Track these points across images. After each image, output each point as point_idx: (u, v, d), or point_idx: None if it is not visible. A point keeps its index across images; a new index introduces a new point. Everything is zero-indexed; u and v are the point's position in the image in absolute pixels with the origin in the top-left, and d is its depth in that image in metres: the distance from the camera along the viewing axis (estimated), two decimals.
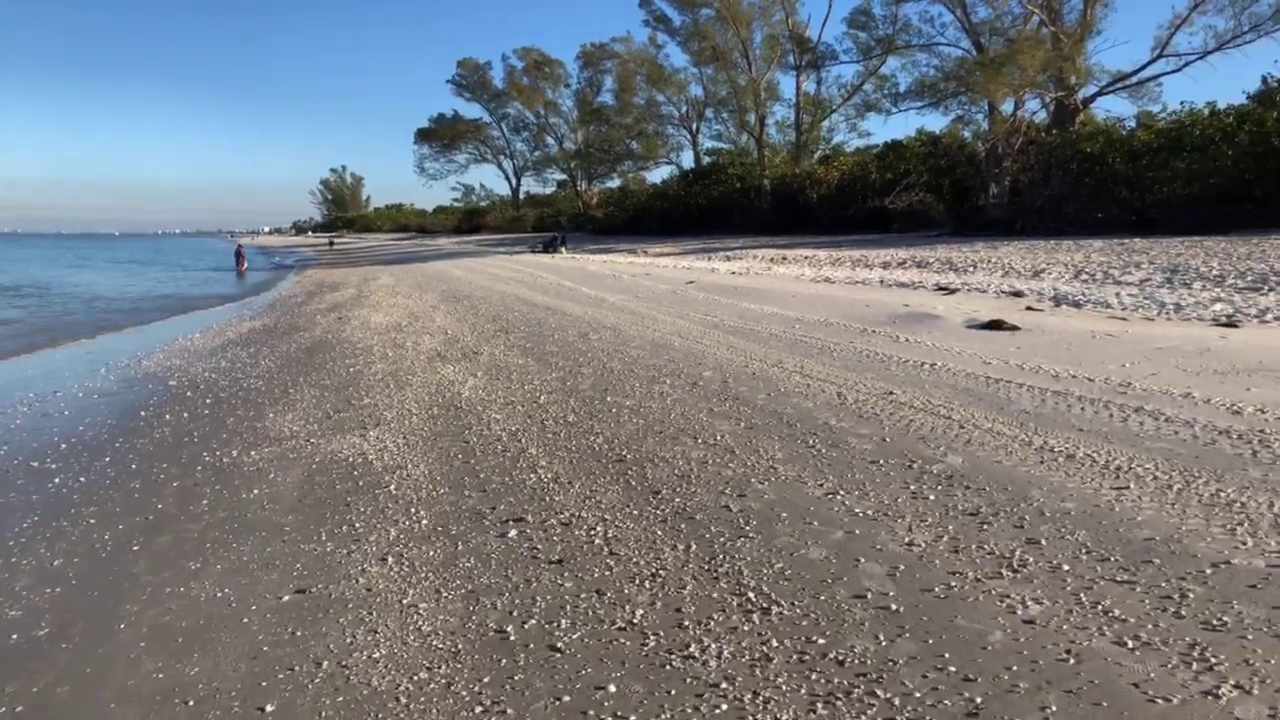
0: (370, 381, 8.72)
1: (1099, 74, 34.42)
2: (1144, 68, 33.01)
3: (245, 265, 41.66)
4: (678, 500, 4.54)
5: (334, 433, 6.65)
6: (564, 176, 78.43)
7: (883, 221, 38.22)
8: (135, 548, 4.42)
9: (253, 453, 6.19)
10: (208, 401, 8.16)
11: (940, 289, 14.20)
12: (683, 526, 4.19)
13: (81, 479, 5.74)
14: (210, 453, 6.26)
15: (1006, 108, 36.70)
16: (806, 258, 25.26)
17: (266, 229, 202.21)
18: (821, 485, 4.63)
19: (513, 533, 4.28)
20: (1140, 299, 11.40)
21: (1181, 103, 34.32)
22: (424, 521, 4.53)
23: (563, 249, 38.00)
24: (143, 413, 7.81)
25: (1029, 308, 11.13)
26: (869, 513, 4.20)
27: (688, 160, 60.28)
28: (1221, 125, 28.20)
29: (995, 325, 9.27)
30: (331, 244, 76.53)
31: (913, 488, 4.51)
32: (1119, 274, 15.48)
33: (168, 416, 7.59)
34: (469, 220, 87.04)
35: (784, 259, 25.69)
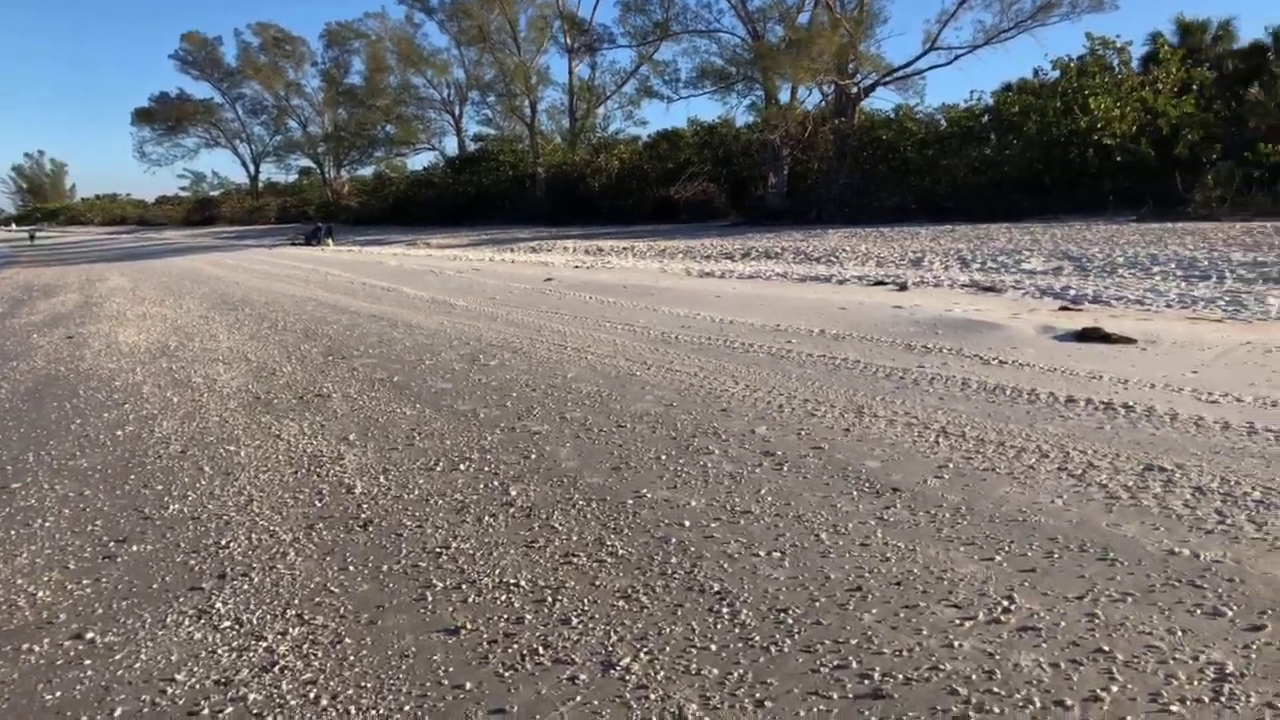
0: (164, 456, 5.17)
1: (880, 65, 34.43)
2: (916, 60, 33.44)
3: None
4: None
5: (134, 607, 3.24)
6: (310, 163, 71.66)
7: (669, 211, 36.76)
8: None
9: None
10: None
11: (878, 284, 12.03)
12: None
13: None
14: None
15: (783, 97, 36.16)
16: (627, 249, 22.77)
17: None
18: None
19: None
20: (1147, 294, 9.74)
21: (971, 92, 35.20)
22: None
23: (329, 241, 33.32)
24: None
25: (1064, 308, 9.08)
26: None
27: (451, 146, 56.28)
28: (1009, 116, 28.52)
29: (1097, 336, 7.06)
30: (33, 238, 64.69)
31: None
32: (1012, 262, 14.09)
33: None
34: (201, 211, 77.48)
35: (600, 250, 23.06)
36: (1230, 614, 2.75)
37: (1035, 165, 27.25)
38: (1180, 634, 2.65)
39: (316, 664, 2.78)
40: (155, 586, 3.42)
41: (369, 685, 2.64)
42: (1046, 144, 27.04)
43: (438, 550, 3.61)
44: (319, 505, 4.24)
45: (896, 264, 15.34)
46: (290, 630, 3.00)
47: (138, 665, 2.84)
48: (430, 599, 3.19)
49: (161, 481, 4.72)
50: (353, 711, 2.52)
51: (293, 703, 2.57)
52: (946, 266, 14.35)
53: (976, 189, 27.24)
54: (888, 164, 31.13)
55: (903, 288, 11.45)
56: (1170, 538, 3.32)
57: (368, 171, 65.73)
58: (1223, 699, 2.31)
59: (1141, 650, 2.57)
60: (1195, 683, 2.39)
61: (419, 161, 61.60)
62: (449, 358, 7.85)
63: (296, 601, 3.22)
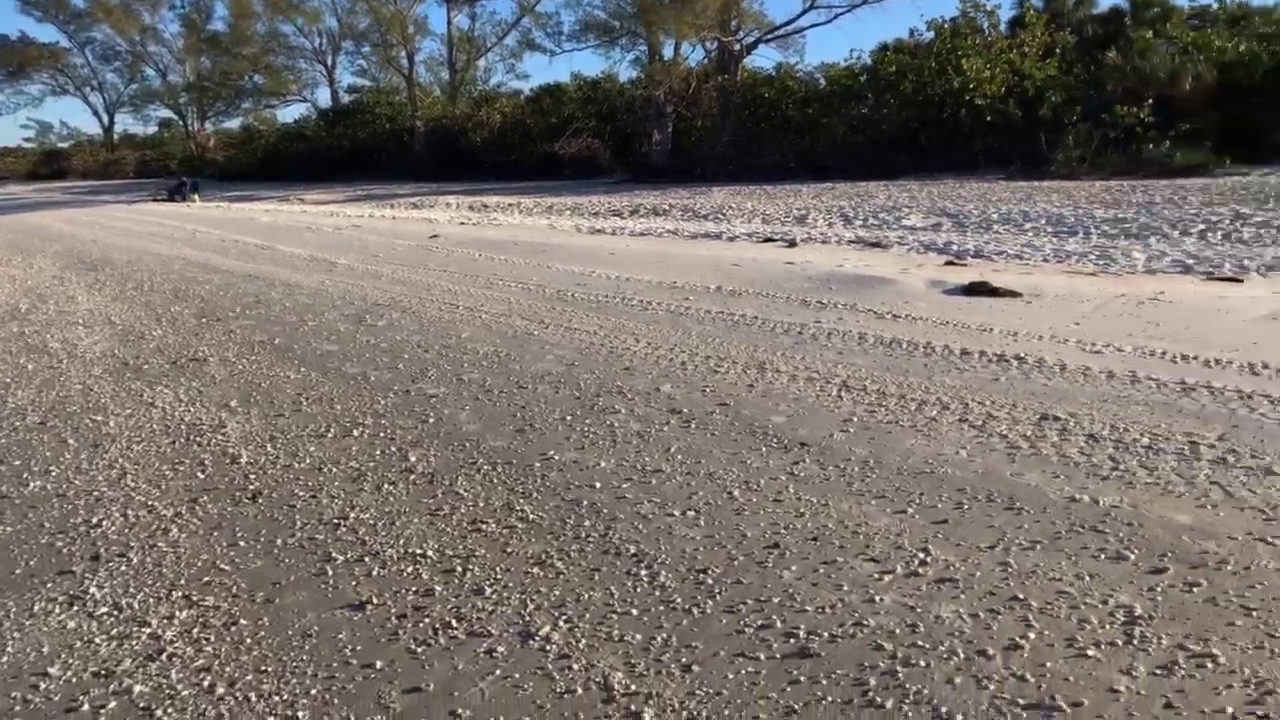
0: (20, 429, 4.76)
1: (762, 22, 34.53)
2: (797, 18, 33.79)
3: None
4: None
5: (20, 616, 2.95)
6: (171, 114, 67.57)
7: (553, 167, 36.31)
8: None
9: None
10: None
11: (767, 240, 12.14)
12: None
13: None
14: None
15: (667, 53, 36.02)
16: (513, 205, 22.37)
17: None
18: None
19: None
20: (1024, 249, 10.11)
21: (850, 51, 35.72)
22: None
23: (195, 197, 31.60)
24: None
25: (949, 263, 9.30)
26: None
27: (324, 98, 53.98)
28: (886, 75, 29.07)
29: (984, 290, 7.24)
30: None
31: None
32: (893, 219, 14.43)
33: None
34: (49, 163, 72.04)
35: (485, 206, 22.58)
36: (1133, 558, 2.84)
37: (911, 124, 27.91)
38: (1088, 579, 2.72)
39: (209, 649, 2.58)
40: (18, 572, 3.13)
41: (270, 669, 2.47)
42: (922, 103, 27.72)
43: (335, 521, 3.42)
44: (201, 477, 3.97)
45: (782, 221, 15.51)
46: (177, 614, 2.79)
47: (4, 659, 2.58)
48: (331, 573, 3.01)
49: (19, 456, 4.34)
50: (253, 699, 2.34)
51: (185, 693, 2.38)
52: (830, 224, 14.59)
53: (855, 147, 27.76)
54: (770, 122, 31.43)
55: (792, 244, 11.58)
56: (1070, 485, 3.42)
57: (235, 124, 62.56)
58: (1135, 642, 2.37)
59: (1054, 596, 2.62)
60: (1107, 626, 2.45)
61: (290, 113, 59.06)
62: (333, 318, 7.51)
63: (182, 582, 2.99)
